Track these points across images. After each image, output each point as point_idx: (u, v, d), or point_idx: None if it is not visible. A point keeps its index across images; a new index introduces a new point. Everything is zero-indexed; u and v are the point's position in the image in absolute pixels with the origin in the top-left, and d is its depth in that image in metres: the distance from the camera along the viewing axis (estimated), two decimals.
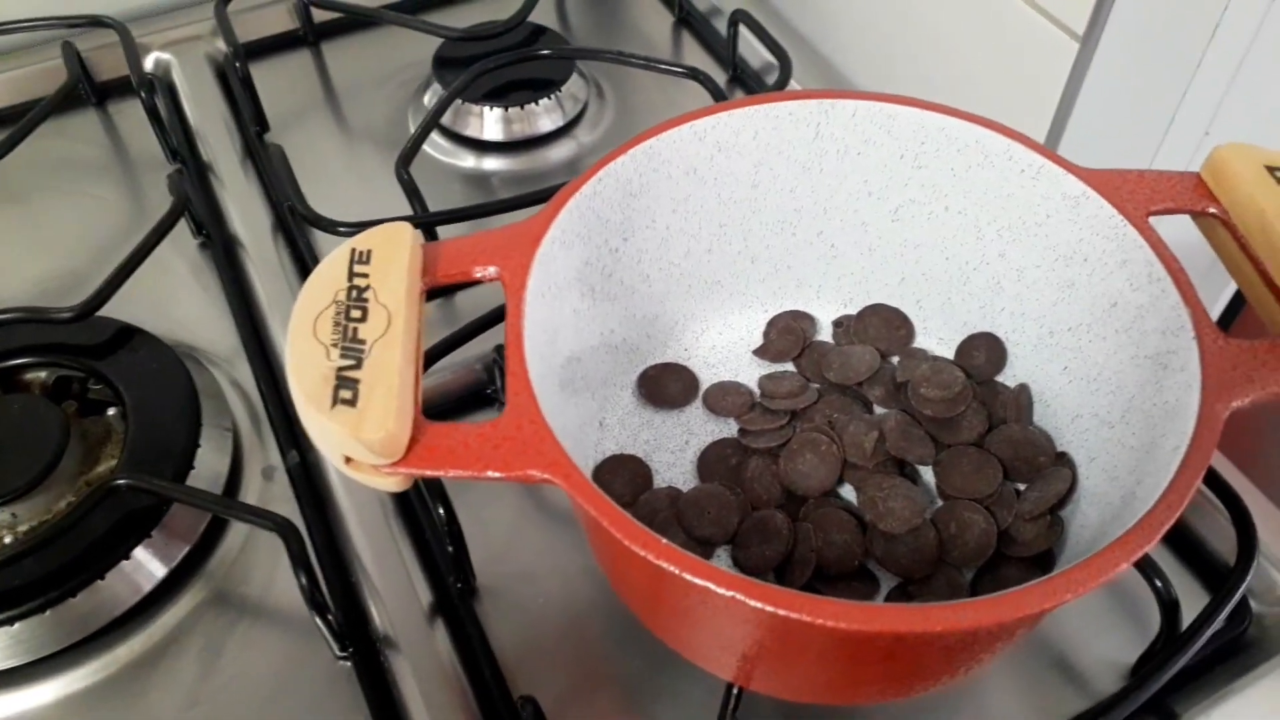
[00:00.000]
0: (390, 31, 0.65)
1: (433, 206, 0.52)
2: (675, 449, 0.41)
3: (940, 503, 0.39)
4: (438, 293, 0.51)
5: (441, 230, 0.51)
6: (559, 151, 0.60)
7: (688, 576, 0.26)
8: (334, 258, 0.32)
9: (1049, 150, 0.37)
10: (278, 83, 0.64)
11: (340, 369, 0.29)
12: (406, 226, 0.33)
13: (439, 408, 0.47)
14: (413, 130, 0.59)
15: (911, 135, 0.39)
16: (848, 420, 0.40)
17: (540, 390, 0.31)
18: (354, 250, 0.32)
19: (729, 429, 0.42)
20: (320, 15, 0.66)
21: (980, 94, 0.57)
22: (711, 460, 0.40)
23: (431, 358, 0.44)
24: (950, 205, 0.40)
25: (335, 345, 0.30)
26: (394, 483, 0.29)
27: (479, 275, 0.34)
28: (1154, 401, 0.33)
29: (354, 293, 0.31)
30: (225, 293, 0.52)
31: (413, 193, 0.51)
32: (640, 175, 0.38)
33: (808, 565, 0.36)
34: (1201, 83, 0.55)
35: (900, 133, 0.39)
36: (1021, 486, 0.39)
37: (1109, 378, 0.36)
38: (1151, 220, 0.35)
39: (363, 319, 0.30)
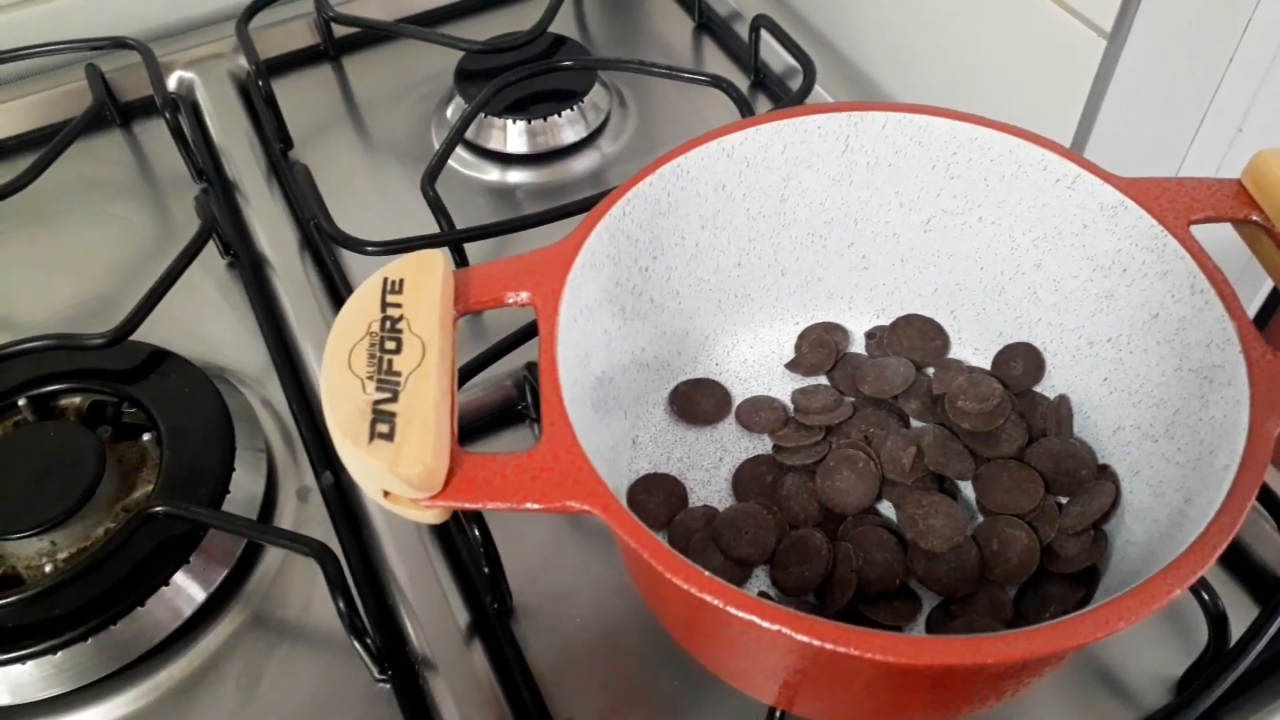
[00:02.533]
0: (411, 44, 0.65)
1: (458, 221, 0.52)
2: (709, 466, 0.41)
3: (981, 518, 0.39)
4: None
5: (469, 247, 0.51)
6: (583, 162, 0.59)
7: (731, 610, 0.26)
8: (366, 288, 0.32)
9: (1084, 159, 0.36)
10: (301, 98, 0.64)
11: (376, 403, 0.29)
12: (438, 254, 0.33)
13: (471, 425, 0.47)
14: (436, 144, 0.59)
15: (943, 146, 0.38)
16: (884, 435, 0.40)
17: (574, 414, 0.31)
18: (386, 279, 0.32)
19: (763, 445, 0.41)
20: (341, 30, 0.65)
21: (1007, 92, 0.57)
22: (747, 478, 0.40)
23: (463, 376, 0.44)
24: (984, 215, 0.39)
25: (370, 378, 0.30)
26: (432, 515, 0.29)
27: (511, 301, 0.34)
28: (1200, 416, 0.32)
29: (388, 323, 0.31)
30: (254, 312, 0.52)
31: (439, 209, 0.51)
32: (669, 194, 0.38)
33: (848, 586, 0.36)
34: (1234, 78, 0.54)
35: (931, 143, 0.38)
36: (1063, 500, 0.38)
37: (1151, 390, 0.35)
38: (1192, 229, 0.34)
39: (397, 350, 0.30)
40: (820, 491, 0.39)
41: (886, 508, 0.39)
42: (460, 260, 0.51)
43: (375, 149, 0.61)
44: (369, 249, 0.50)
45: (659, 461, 0.41)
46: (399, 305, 0.32)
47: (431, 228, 0.51)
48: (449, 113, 0.61)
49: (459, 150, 0.59)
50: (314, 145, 0.61)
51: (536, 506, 0.28)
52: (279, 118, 0.60)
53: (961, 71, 0.59)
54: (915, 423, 0.42)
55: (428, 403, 0.29)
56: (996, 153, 0.37)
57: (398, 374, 0.30)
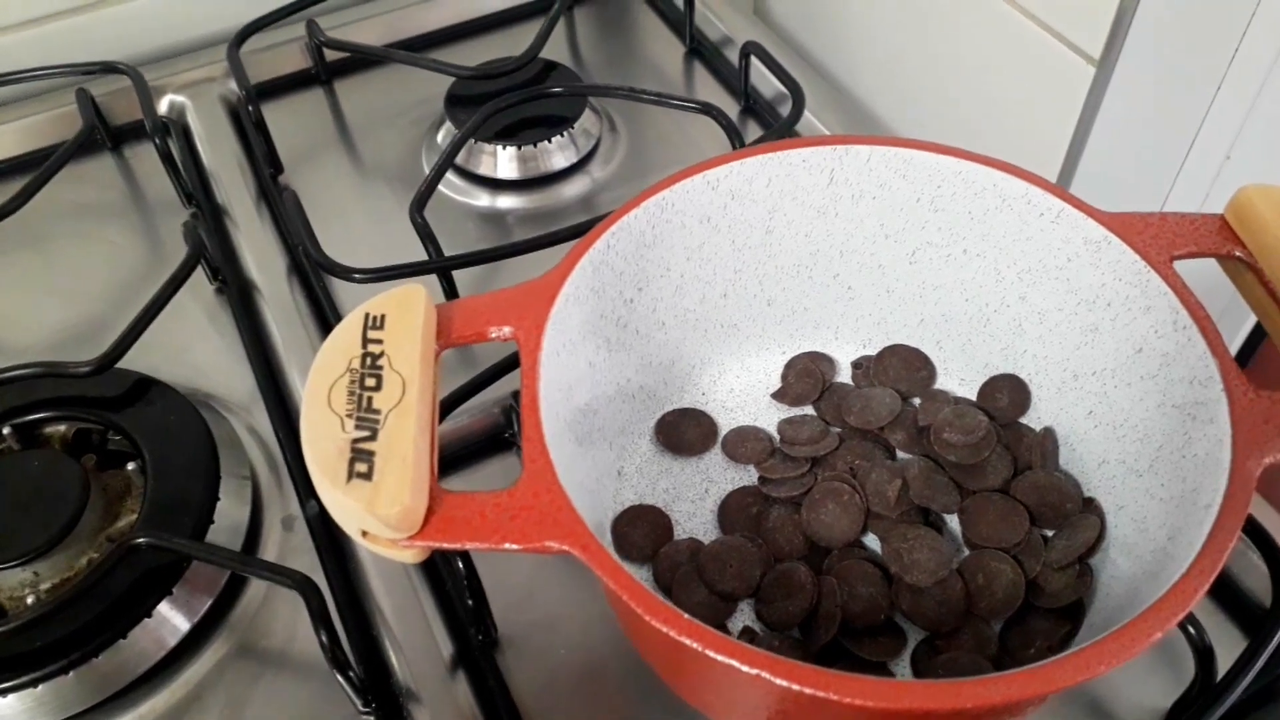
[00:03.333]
0: (403, 68, 0.65)
1: (448, 247, 0.52)
2: (695, 498, 0.41)
3: (966, 552, 0.38)
4: None
5: (458, 274, 0.51)
6: (573, 188, 0.59)
7: (711, 654, 0.26)
8: (347, 324, 0.32)
9: (1068, 193, 0.36)
10: (292, 122, 0.64)
11: (355, 441, 0.29)
12: (420, 289, 0.33)
13: (457, 452, 0.47)
14: (426, 169, 0.59)
15: (927, 179, 0.38)
16: (870, 467, 0.40)
17: (556, 449, 0.31)
18: (367, 315, 0.32)
19: (749, 476, 0.41)
20: (333, 54, 0.66)
21: (998, 118, 0.57)
22: (732, 510, 0.40)
23: (450, 404, 0.44)
24: (968, 248, 0.39)
25: (350, 415, 0.30)
26: (410, 555, 0.29)
27: (494, 335, 0.34)
28: (1183, 453, 0.32)
29: (368, 360, 0.31)
30: (242, 339, 0.52)
31: (427, 237, 0.51)
32: (653, 227, 0.38)
33: (833, 621, 0.35)
34: (1222, 106, 0.54)
35: (915, 177, 0.38)
36: (1049, 533, 0.38)
37: (1135, 425, 0.35)
38: (1176, 264, 0.34)
39: (377, 387, 0.30)
40: (805, 524, 0.39)
41: (872, 540, 0.39)
42: (449, 287, 0.51)
43: (366, 174, 0.61)
44: (356, 276, 0.50)
45: (644, 493, 0.41)
46: (380, 341, 0.31)
47: (420, 255, 0.51)
48: (440, 138, 0.61)
49: (450, 176, 0.59)
50: (305, 170, 0.61)
51: (515, 547, 0.28)
52: (269, 142, 0.60)
53: (952, 98, 0.59)
54: (901, 454, 0.41)
55: (407, 441, 0.29)
56: (980, 186, 0.37)
57: (377, 412, 0.30)
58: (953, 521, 0.39)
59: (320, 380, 0.31)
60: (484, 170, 0.59)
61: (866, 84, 0.66)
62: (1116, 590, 0.34)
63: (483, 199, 0.59)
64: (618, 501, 0.40)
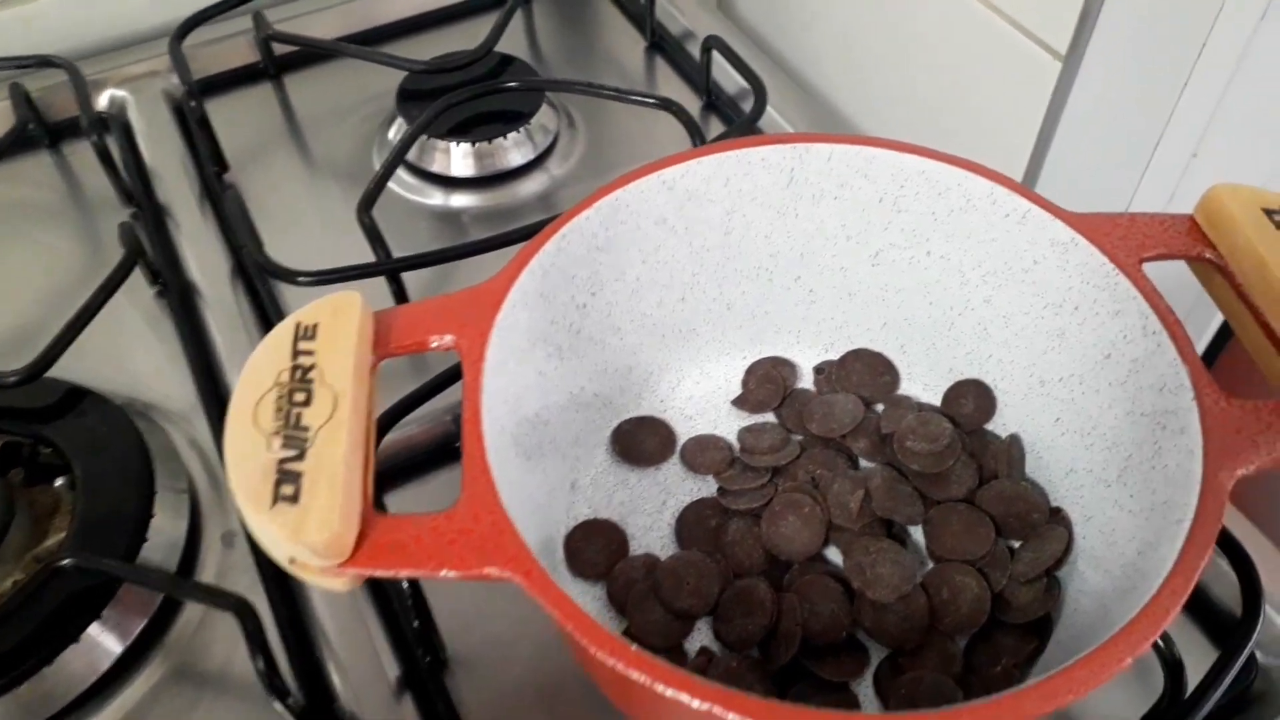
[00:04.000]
0: (355, 63, 0.63)
1: (399, 248, 0.50)
2: (652, 510, 0.39)
3: (930, 564, 0.37)
4: None
5: (410, 277, 0.49)
6: (530, 185, 0.58)
7: (659, 688, 0.24)
8: (276, 334, 0.30)
9: (1034, 194, 0.35)
10: (239, 118, 0.61)
11: (282, 461, 0.27)
12: (355, 296, 0.31)
13: (405, 464, 0.45)
14: (378, 167, 0.57)
15: (890, 179, 0.37)
16: (832, 477, 0.38)
17: (500, 466, 0.29)
18: (298, 325, 0.30)
19: (708, 487, 0.40)
20: (282, 47, 0.63)
21: (962, 115, 0.56)
22: (690, 523, 0.38)
23: (395, 415, 0.42)
24: (932, 250, 0.38)
25: (277, 434, 0.28)
26: (341, 583, 0.27)
27: (435, 345, 0.32)
28: (1152, 464, 0.31)
29: (298, 373, 0.29)
30: (182, 345, 0.50)
31: (375, 238, 0.49)
32: (606, 229, 0.36)
33: (793, 640, 0.34)
34: (1189, 102, 0.53)
35: (878, 176, 0.37)
36: (1015, 544, 0.37)
37: (1104, 433, 0.34)
38: (1145, 266, 0.33)
39: (307, 403, 0.28)
40: (765, 538, 0.37)
41: (834, 553, 0.38)
42: (398, 290, 0.49)
43: (315, 171, 0.59)
44: (301, 279, 0.48)
45: (599, 506, 0.39)
46: (311, 353, 0.30)
47: (369, 257, 0.49)
48: (392, 134, 0.59)
49: (401, 174, 0.58)
50: (251, 168, 0.59)
51: (453, 574, 0.27)
52: (213, 139, 0.57)
53: (918, 93, 0.58)
54: (864, 462, 0.40)
55: (337, 461, 0.27)
56: (944, 186, 0.36)
57: (306, 429, 0.28)
58: (917, 532, 0.38)
59: (246, 395, 0.29)
60: (437, 168, 0.57)
61: (831, 80, 0.65)
62: (1085, 605, 0.33)
63: (436, 197, 0.57)
64: (571, 516, 0.39)
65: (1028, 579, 0.35)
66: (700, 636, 0.36)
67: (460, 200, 0.57)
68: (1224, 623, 0.40)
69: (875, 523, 0.37)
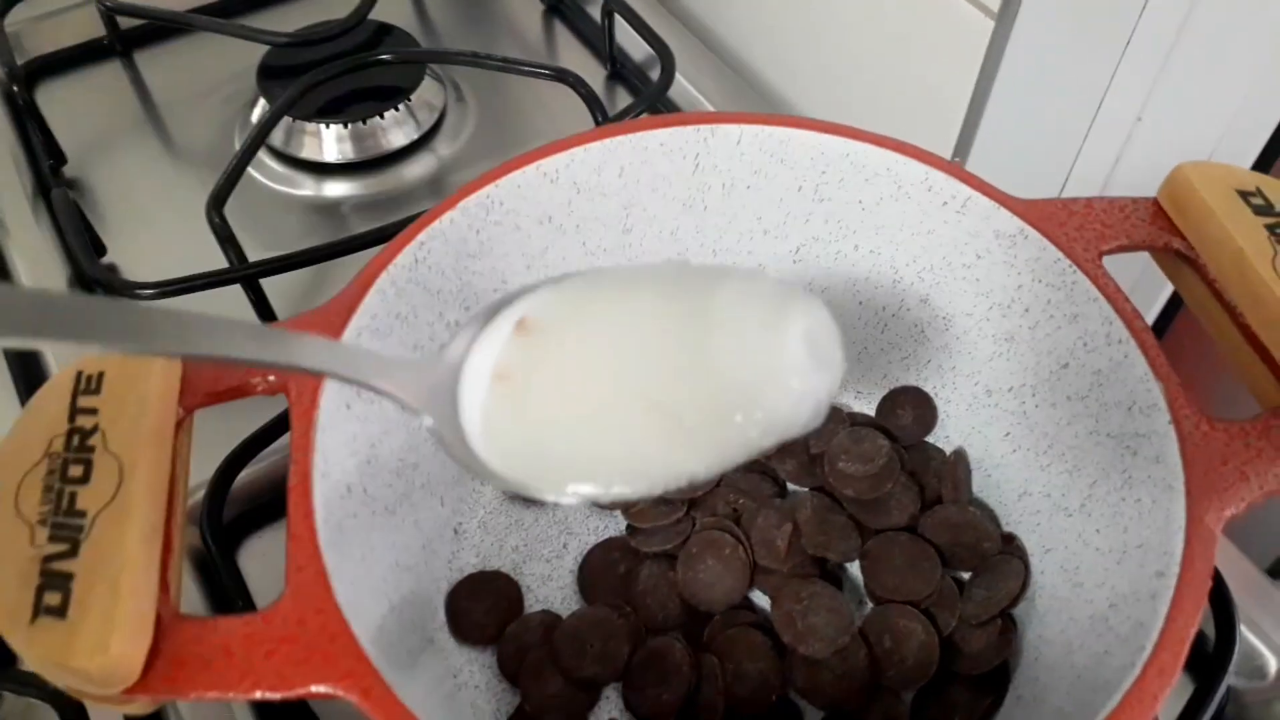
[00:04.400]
0: (214, 36, 0.56)
1: (268, 248, 0.43)
2: (551, 556, 0.34)
3: (869, 605, 0.33)
4: None
5: (273, 284, 0.43)
6: (416, 168, 0.51)
7: None
8: (50, 389, 0.24)
9: (976, 178, 0.30)
10: (82, 102, 0.54)
11: (47, 559, 0.21)
12: None
13: (269, 500, 0.39)
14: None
15: (809, 164, 0.31)
16: (756, 508, 0.33)
17: (345, 537, 0.24)
18: (80, 376, 0.24)
19: (616, 523, 0.35)
20: (130, 20, 0.56)
21: (890, 79, 0.51)
22: (595, 570, 0.33)
23: (252, 447, 0.36)
24: (860, 244, 0.33)
25: (43, 522, 0.22)
26: (135, 707, 0.22)
27: (260, 388, 0.26)
28: (1122, 495, 0.27)
29: (75, 439, 0.23)
30: (10, 371, 0.43)
31: (227, 240, 0.42)
32: (477, 232, 0.30)
33: (715, 711, 0.29)
34: (1132, 61, 0.49)
35: (796, 161, 0.31)
36: (965, 575, 0.33)
37: (1063, 453, 0.30)
38: (1106, 261, 0.29)
39: (84, 479, 0.22)
40: (682, 584, 0.32)
41: (761, 596, 0.33)
42: (257, 300, 0.42)
43: (171, 162, 0.52)
44: (142, 293, 0.41)
45: (489, 554, 0.34)
46: (94, 412, 0.24)
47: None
48: (256, 116, 0.52)
49: (269, 162, 0.51)
50: (96, 160, 0.52)
51: (273, 695, 0.21)
52: (45, 130, 0.50)
53: (843, 59, 0.53)
54: (793, 487, 0.35)
55: (117, 555, 0.21)
56: (872, 171, 0.31)
57: (81, 514, 0.22)
58: (853, 566, 0.33)
59: (6, 473, 0.22)
60: (307, 154, 0.50)
61: (751, 46, 0.59)
62: (1046, 656, 0.28)
63: (307, 187, 0.50)
64: (454, 568, 0.33)
65: (980, 621, 0.31)
66: (609, 706, 0.31)
67: (337, 189, 0.50)
68: (1200, 653, 0.36)
69: (806, 560, 0.33)
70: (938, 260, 0.32)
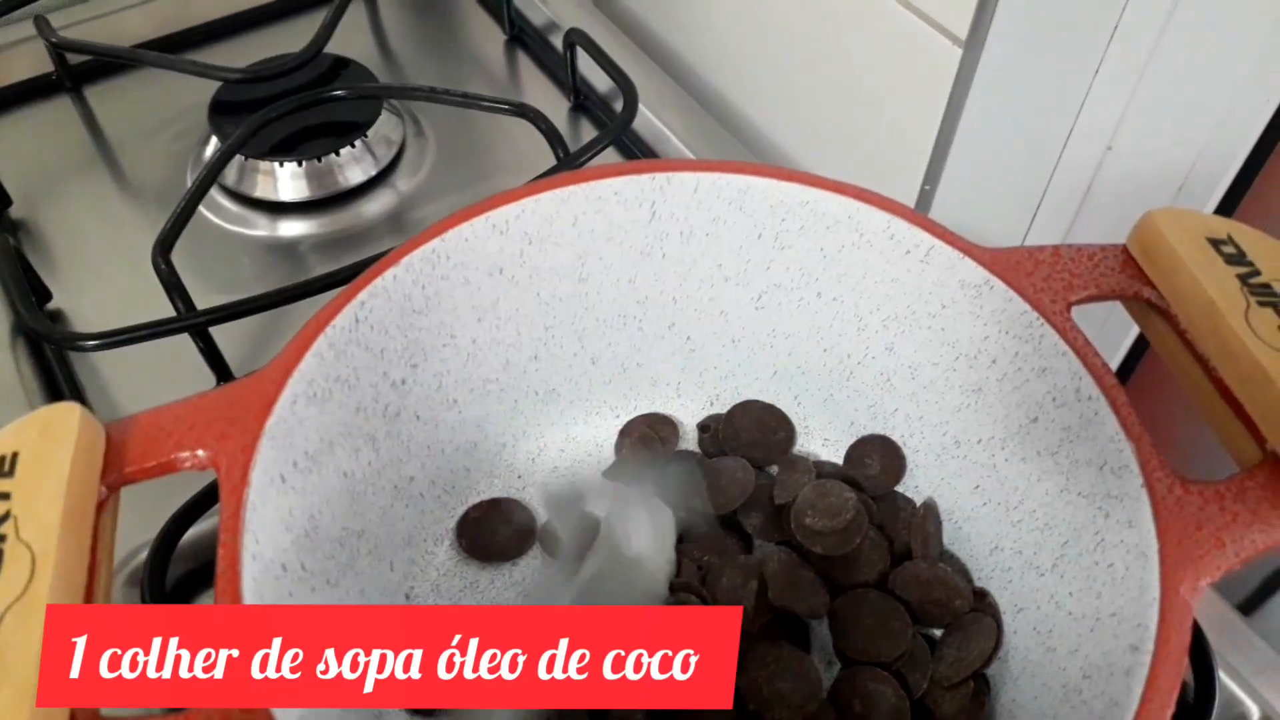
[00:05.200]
0: (166, 72, 0.54)
1: (222, 293, 0.42)
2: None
3: (837, 665, 0.31)
4: None
5: (222, 331, 0.41)
6: (375, 205, 0.50)
7: None
8: None
9: (940, 227, 0.29)
10: (28, 140, 0.52)
11: None
12: (73, 410, 0.24)
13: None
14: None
15: (768, 211, 0.30)
16: (721, 567, 0.32)
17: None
18: None
19: None
20: (80, 56, 0.54)
21: (859, 110, 0.50)
22: None
23: (197, 506, 0.34)
24: (823, 291, 0.32)
25: None
26: None
27: (187, 465, 0.24)
28: (1095, 559, 0.26)
29: None
30: None
31: (173, 287, 0.41)
32: (423, 288, 0.29)
33: None
34: (1101, 90, 0.48)
35: (754, 209, 0.30)
36: (936, 633, 0.32)
37: (1034, 510, 0.29)
38: (1075, 312, 0.28)
39: None
40: None
41: None
42: (208, 350, 0.41)
43: (122, 202, 0.50)
44: (86, 345, 0.40)
45: None
46: (5, 496, 0.22)
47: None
48: (209, 154, 0.51)
49: (223, 202, 0.49)
50: (44, 201, 0.50)
51: None
52: None
53: (811, 89, 0.52)
54: (758, 541, 0.34)
55: (27, 657, 0.20)
56: (833, 219, 0.30)
57: None
58: (823, 625, 0.32)
59: None
60: (261, 193, 0.49)
61: (717, 75, 0.58)
62: None
63: (262, 227, 0.49)
64: None
65: (952, 683, 0.29)
66: None
67: (294, 228, 0.49)
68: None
69: (772, 621, 0.31)
70: (902, 309, 0.31)
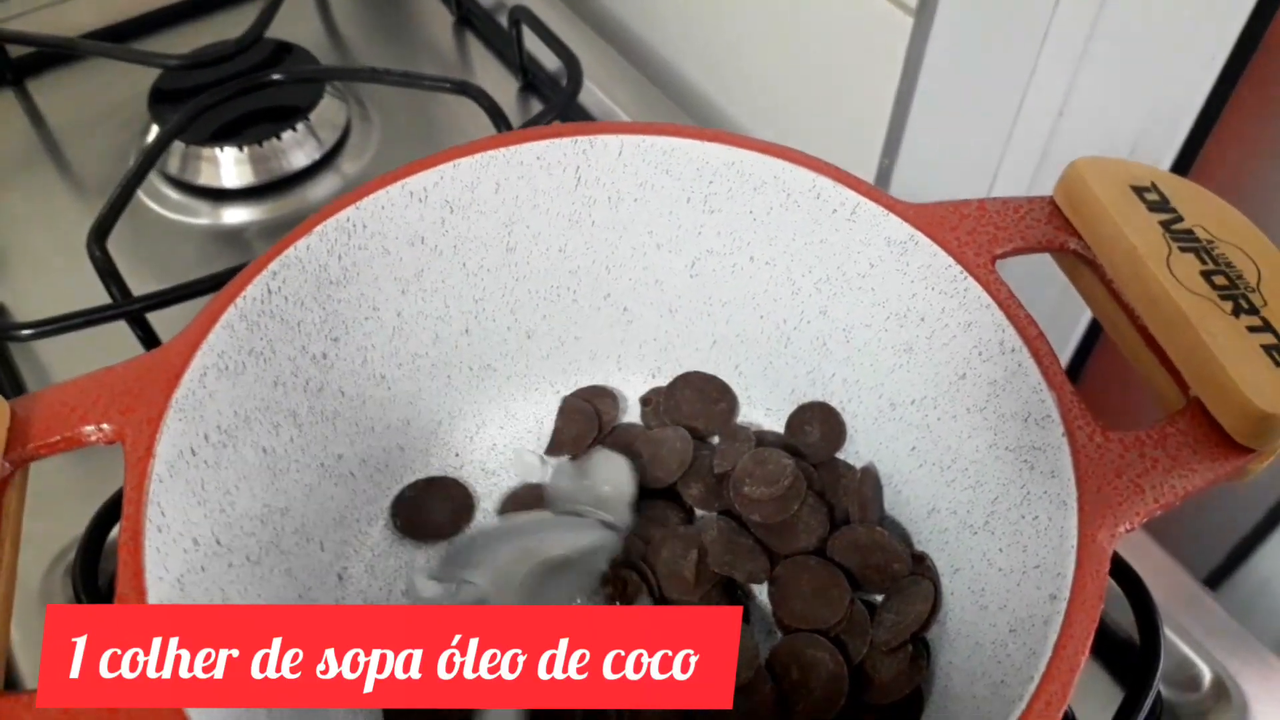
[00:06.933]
0: (108, 63, 0.54)
1: (162, 282, 0.41)
2: (445, 599, 0.32)
3: (779, 634, 0.31)
4: None
5: (161, 319, 0.41)
6: (321, 189, 0.49)
7: None
8: None
9: (865, 184, 0.28)
10: None
11: None
12: None
13: None
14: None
15: (695, 174, 0.30)
16: (662, 539, 0.32)
17: (185, 598, 0.22)
18: None
19: None
20: (21, 49, 0.54)
21: (814, 82, 0.49)
22: None
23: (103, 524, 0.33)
24: (755, 255, 0.31)
25: None
26: None
27: (93, 438, 0.24)
28: (1021, 512, 0.25)
29: None
30: None
31: (108, 274, 0.40)
32: (339, 258, 0.28)
33: None
34: (1051, 54, 0.48)
35: (681, 172, 0.30)
36: (877, 598, 0.31)
37: (965, 468, 0.28)
38: (1005, 264, 0.27)
39: None
40: None
41: None
42: (147, 338, 0.40)
43: (64, 193, 0.50)
44: (22, 334, 0.39)
45: (376, 599, 0.32)
46: None
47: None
48: (149, 143, 0.50)
49: (166, 191, 0.49)
50: None
51: None
52: None
53: (764, 66, 0.51)
54: (700, 512, 0.34)
55: None
56: (759, 179, 0.29)
57: None
58: (761, 592, 0.32)
59: None
60: (205, 180, 0.48)
61: (669, 48, 0.58)
62: (956, 683, 0.27)
63: (206, 215, 0.48)
64: None
65: (891, 647, 0.29)
66: None
67: (239, 215, 0.48)
68: (1113, 644, 0.35)
69: (713, 589, 0.31)
70: (833, 270, 0.30)
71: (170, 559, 0.23)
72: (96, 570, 0.33)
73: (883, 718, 0.29)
